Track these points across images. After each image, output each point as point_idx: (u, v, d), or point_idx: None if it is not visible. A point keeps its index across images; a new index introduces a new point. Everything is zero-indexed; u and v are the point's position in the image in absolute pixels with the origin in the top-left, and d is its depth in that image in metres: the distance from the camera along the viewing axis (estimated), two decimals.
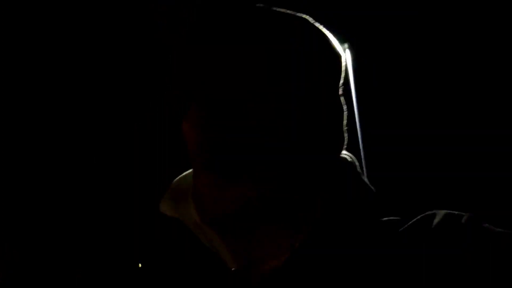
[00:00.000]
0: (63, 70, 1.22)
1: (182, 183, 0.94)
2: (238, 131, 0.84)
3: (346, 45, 1.99)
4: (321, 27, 0.91)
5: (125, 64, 1.21)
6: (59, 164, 1.25)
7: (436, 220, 0.87)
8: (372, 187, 0.93)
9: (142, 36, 1.19)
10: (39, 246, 1.01)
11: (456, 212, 0.89)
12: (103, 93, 1.22)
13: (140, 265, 0.90)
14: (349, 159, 0.94)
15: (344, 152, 0.93)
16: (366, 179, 0.93)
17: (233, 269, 0.86)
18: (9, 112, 1.25)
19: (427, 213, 0.89)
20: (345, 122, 0.90)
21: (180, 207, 0.92)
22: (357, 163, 0.94)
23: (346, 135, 0.90)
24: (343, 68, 0.91)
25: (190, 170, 0.95)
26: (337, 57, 0.91)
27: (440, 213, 0.88)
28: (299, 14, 0.89)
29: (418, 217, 0.89)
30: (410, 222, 0.88)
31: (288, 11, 0.89)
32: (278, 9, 0.88)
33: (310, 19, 0.90)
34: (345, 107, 0.91)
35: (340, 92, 0.90)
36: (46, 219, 1.10)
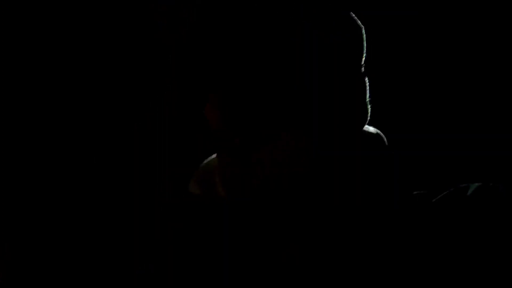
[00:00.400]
0: (63, 70, 1.22)
1: (208, 165, 0.97)
2: (259, 108, 0.85)
3: None
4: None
5: (125, 63, 1.21)
6: (59, 164, 1.25)
7: (470, 191, 0.87)
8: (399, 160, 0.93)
9: (141, 36, 1.19)
10: (39, 246, 1.01)
11: (490, 183, 0.88)
12: (103, 93, 1.22)
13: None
14: (375, 133, 0.95)
15: (369, 127, 0.94)
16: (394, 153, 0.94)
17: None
18: (9, 112, 1.26)
19: (459, 186, 0.89)
20: (368, 95, 0.91)
21: (209, 185, 0.94)
22: (384, 138, 0.95)
23: (369, 107, 0.91)
24: (364, 43, 0.91)
25: (214, 155, 0.98)
26: (357, 29, 0.92)
27: (473, 185, 0.88)
28: None
29: (450, 189, 0.89)
30: (441, 195, 0.88)
31: None
32: None
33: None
34: (367, 80, 0.92)
35: (363, 66, 0.91)
36: (46, 219, 1.11)
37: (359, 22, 0.90)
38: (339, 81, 0.87)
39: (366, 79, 0.90)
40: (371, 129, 0.95)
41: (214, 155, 0.97)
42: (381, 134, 0.95)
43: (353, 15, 0.89)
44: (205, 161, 0.99)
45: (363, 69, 0.90)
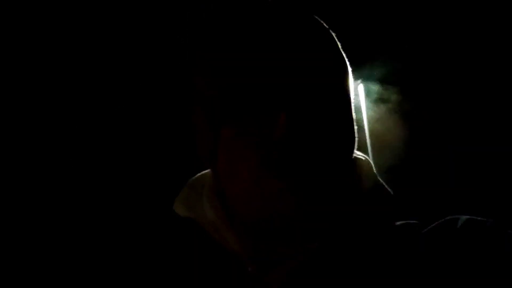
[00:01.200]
0: (74, 72, 1.22)
1: (196, 183, 0.95)
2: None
3: (359, 81, 1.95)
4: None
5: (138, 68, 1.20)
6: (60, 164, 1.24)
7: (459, 224, 0.87)
8: (389, 189, 0.93)
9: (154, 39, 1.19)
10: (39, 246, 1.00)
11: (479, 218, 0.88)
12: (114, 95, 1.22)
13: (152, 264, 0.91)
14: (363, 159, 0.94)
15: (357, 152, 0.93)
16: (381, 180, 0.93)
17: (249, 269, 0.88)
18: (11, 111, 1.25)
19: (448, 217, 0.89)
20: (355, 121, 0.90)
21: (195, 206, 0.92)
22: (372, 164, 0.94)
23: (356, 135, 0.90)
24: (349, 70, 0.90)
25: (204, 171, 0.96)
26: (339, 59, 0.91)
27: (463, 218, 0.88)
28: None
29: (440, 221, 0.88)
30: (431, 226, 0.88)
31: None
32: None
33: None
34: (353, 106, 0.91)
35: (352, 96, 0.90)
36: (46, 219, 1.10)
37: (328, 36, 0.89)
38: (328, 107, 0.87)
39: (351, 98, 0.90)
40: (359, 153, 0.95)
41: (203, 172, 0.96)
42: (368, 159, 0.95)
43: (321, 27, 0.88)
44: (193, 178, 0.97)
45: (350, 87, 0.89)
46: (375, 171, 0.93)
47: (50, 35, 1.30)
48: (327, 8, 0.92)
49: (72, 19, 1.30)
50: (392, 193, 0.93)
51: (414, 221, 0.90)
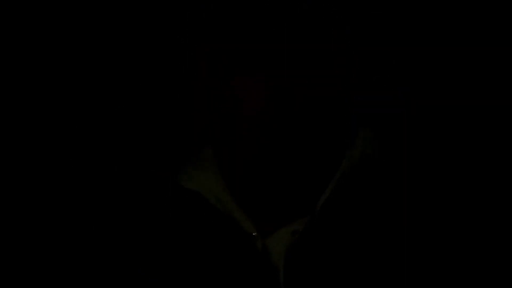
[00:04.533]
0: (77, 71, 1.22)
1: (200, 157, 0.97)
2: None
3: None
4: None
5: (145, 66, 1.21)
6: (60, 164, 1.24)
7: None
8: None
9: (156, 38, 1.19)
10: (39, 246, 1.00)
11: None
12: (116, 94, 1.22)
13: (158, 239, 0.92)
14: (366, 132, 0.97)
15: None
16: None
17: (253, 233, 0.90)
18: (11, 111, 1.25)
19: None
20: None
21: (199, 179, 0.94)
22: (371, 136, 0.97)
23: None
24: None
25: (208, 148, 0.97)
26: None
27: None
28: None
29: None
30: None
31: None
32: None
33: None
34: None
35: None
36: (46, 219, 1.10)
37: None
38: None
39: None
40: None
41: (207, 148, 0.97)
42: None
43: None
44: (198, 153, 0.99)
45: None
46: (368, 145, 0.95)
47: (50, 35, 1.30)
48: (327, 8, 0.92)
49: (72, 19, 1.30)
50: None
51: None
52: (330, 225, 0.88)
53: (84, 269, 0.93)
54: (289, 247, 0.88)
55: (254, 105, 0.86)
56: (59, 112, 1.30)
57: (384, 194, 0.91)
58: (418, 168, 0.98)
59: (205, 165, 0.96)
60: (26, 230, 1.06)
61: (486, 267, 0.88)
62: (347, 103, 0.91)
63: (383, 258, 0.87)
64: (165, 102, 1.25)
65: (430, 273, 0.86)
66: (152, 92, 1.27)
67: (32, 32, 1.29)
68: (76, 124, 1.30)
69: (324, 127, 0.88)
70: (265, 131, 0.86)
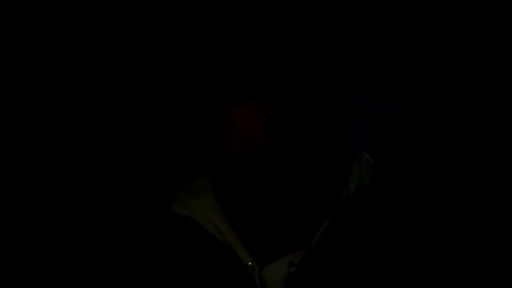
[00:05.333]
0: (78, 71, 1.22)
1: (194, 185, 0.95)
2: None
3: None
4: None
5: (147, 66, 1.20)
6: (60, 164, 1.24)
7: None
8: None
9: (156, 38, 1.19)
10: (39, 246, 1.00)
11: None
12: (117, 94, 1.22)
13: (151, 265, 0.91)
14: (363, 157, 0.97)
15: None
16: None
17: (249, 263, 0.89)
18: (11, 111, 1.25)
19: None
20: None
21: (193, 205, 0.93)
22: (371, 163, 0.97)
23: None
24: None
25: (202, 176, 0.96)
26: None
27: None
28: None
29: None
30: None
31: None
32: None
33: None
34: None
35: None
36: (45, 219, 1.10)
37: None
38: None
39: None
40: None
41: (199, 177, 0.97)
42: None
43: None
44: (191, 180, 0.98)
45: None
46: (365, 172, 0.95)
47: (50, 35, 1.30)
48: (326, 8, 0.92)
49: (72, 19, 1.30)
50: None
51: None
52: (327, 257, 0.88)
53: (82, 269, 0.93)
54: (286, 280, 0.87)
55: (251, 137, 0.86)
56: (59, 112, 1.30)
57: (384, 222, 0.91)
58: (418, 168, 0.97)
59: (201, 192, 0.95)
60: (26, 230, 1.06)
61: (486, 268, 0.87)
62: (347, 103, 0.91)
63: None
64: (165, 102, 1.25)
65: None
66: (152, 92, 1.27)
67: (32, 32, 1.29)
68: (76, 124, 1.30)
69: (325, 143, 0.87)
70: (264, 159, 0.85)
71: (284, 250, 0.89)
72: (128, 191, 0.99)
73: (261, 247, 0.90)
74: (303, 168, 0.86)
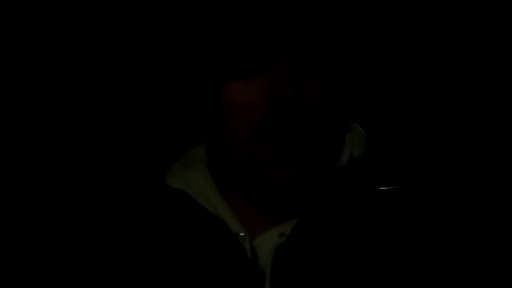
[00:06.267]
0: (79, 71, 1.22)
1: (188, 158, 0.96)
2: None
3: None
4: None
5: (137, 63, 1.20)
6: (59, 164, 1.24)
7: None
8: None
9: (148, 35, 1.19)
10: (39, 246, 1.00)
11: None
12: (113, 93, 1.22)
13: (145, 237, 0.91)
14: (356, 129, 0.96)
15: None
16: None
17: (241, 234, 0.89)
18: (10, 111, 1.26)
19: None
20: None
21: (187, 179, 0.93)
22: (363, 134, 0.97)
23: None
24: None
25: (196, 148, 0.97)
26: None
27: None
28: None
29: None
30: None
31: None
32: None
33: None
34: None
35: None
36: (45, 219, 1.10)
37: None
38: None
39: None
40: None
41: (192, 150, 0.97)
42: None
43: None
44: (183, 155, 0.98)
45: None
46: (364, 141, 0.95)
47: (50, 35, 1.30)
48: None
49: (72, 19, 1.30)
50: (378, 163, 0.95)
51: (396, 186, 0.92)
52: (317, 228, 0.88)
53: (78, 269, 0.93)
54: (277, 250, 0.87)
55: (248, 107, 0.86)
56: (59, 112, 1.31)
57: (377, 196, 0.91)
58: (417, 168, 0.97)
59: (194, 164, 0.96)
60: (26, 230, 1.06)
61: (486, 269, 0.87)
62: (347, 103, 0.91)
63: (375, 265, 0.86)
64: (164, 102, 1.25)
65: (427, 276, 0.86)
66: (151, 92, 1.27)
67: (32, 32, 1.29)
68: (75, 124, 1.30)
69: (321, 125, 0.87)
70: (259, 130, 0.86)
71: (275, 221, 0.90)
72: (126, 190, 0.99)
73: (252, 218, 0.90)
74: (300, 142, 0.86)
